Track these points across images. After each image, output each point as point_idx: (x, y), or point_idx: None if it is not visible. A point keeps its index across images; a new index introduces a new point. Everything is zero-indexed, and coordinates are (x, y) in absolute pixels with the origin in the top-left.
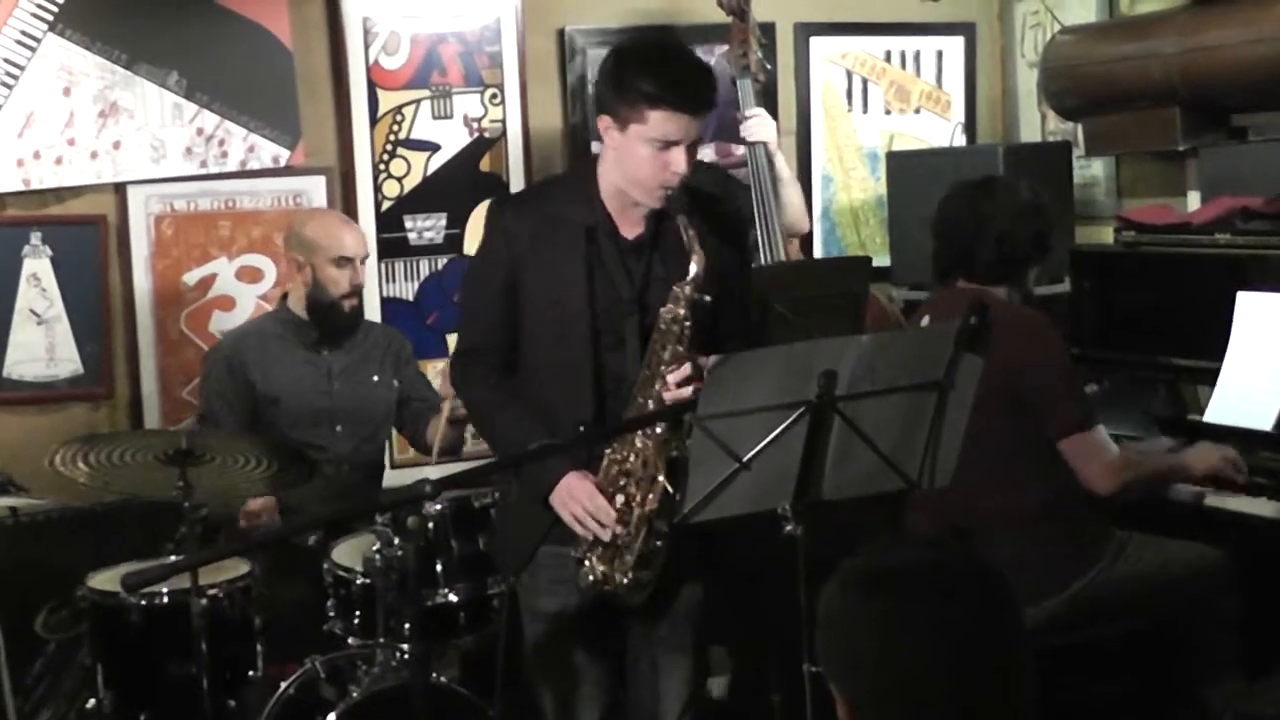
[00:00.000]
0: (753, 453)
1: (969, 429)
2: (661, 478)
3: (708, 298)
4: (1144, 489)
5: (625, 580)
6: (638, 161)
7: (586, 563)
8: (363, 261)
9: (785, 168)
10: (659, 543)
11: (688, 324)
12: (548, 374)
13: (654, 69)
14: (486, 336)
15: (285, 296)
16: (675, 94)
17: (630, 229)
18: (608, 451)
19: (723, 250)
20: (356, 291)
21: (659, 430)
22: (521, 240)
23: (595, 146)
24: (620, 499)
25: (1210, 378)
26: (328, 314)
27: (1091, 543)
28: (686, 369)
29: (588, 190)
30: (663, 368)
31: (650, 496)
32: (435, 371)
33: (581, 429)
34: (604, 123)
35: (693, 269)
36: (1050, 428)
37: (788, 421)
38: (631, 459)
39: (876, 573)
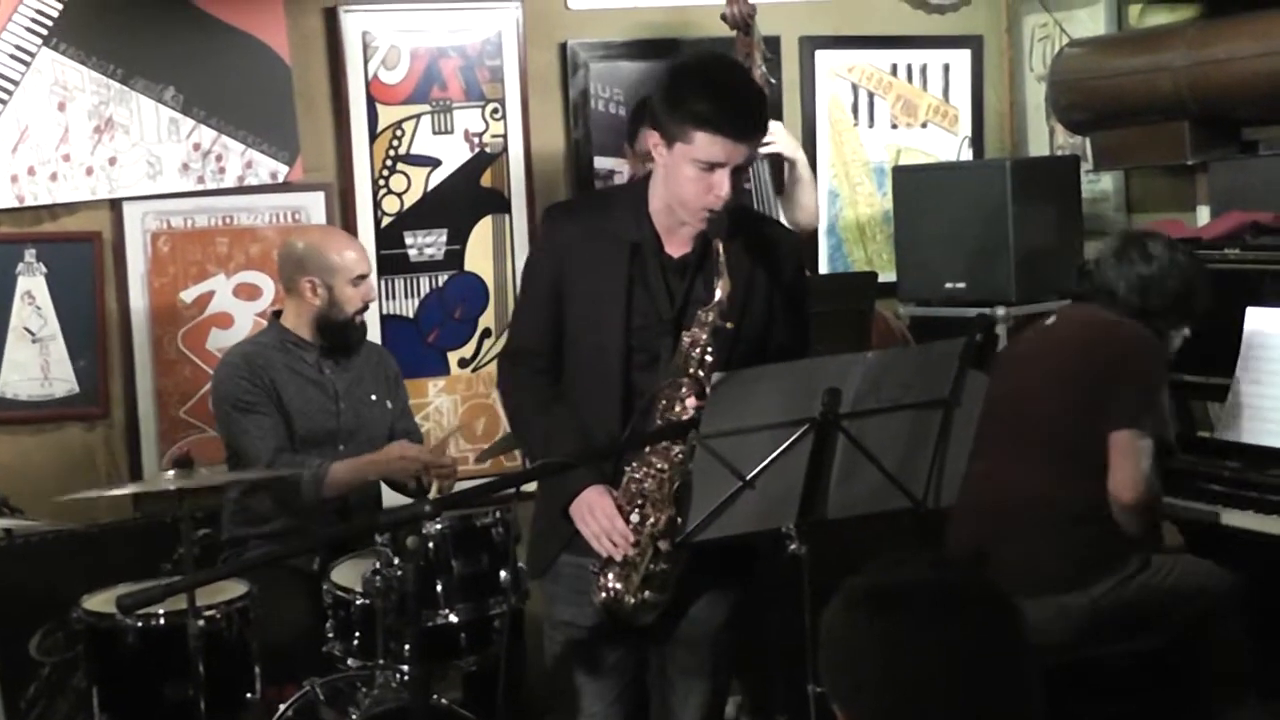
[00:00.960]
0: (756, 470)
1: (1038, 411)
2: (671, 501)
3: (729, 324)
4: (1143, 523)
5: (634, 600)
6: (682, 181)
7: (601, 578)
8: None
9: (806, 168)
10: (665, 565)
11: (709, 350)
12: (580, 386)
13: (705, 90)
14: (533, 338)
15: (278, 315)
16: (723, 117)
17: (676, 248)
18: (627, 470)
19: (770, 274)
20: (367, 306)
21: (678, 454)
22: (568, 249)
23: (598, 161)
24: (635, 518)
25: (1220, 394)
26: (341, 331)
27: (1120, 550)
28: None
29: (638, 206)
30: (682, 390)
31: (662, 519)
32: (437, 390)
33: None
34: (653, 139)
35: (717, 294)
36: (1107, 416)
37: (791, 439)
38: (649, 480)
39: (880, 591)
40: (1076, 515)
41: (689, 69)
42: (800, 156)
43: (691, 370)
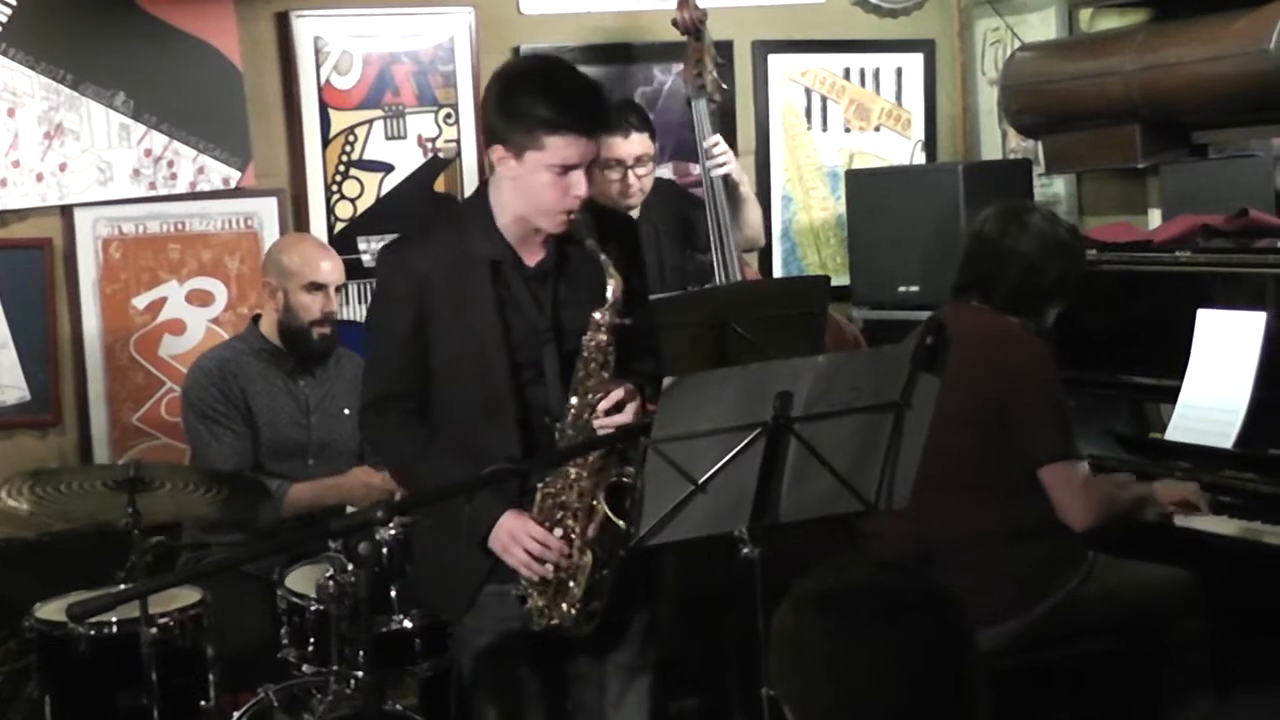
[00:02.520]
0: (708, 475)
1: (952, 447)
2: (602, 506)
3: (628, 320)
4: (1117, 522)
5: (573, 612)
6: (538, 189)
7: (528, 600)
8: (337, 290)
9: (747, 188)
10: (605, 571)
11: (610, 349)
12: (469, 414)
13: (546, 94)
14: (399, 382)
15: (256, 320)
16: (571, 118)
17: (532, 257)
18: (539, 487)
19: (632, 264)
20: (328, 319)
21: (593, 459)
22: (427, 281)
23: None
24: (558, 532)
25: (1172, 396)
26: (298, 340)
27: (1061, 566)
28: (616, 395)
29: (486, 222)
30: (590, 396)
31: (591, 526)
32: None
33: (507, 464)
34: (498, 153)
35: (610, 293)
36: (1033, 454)
37: (743, 443)
38: (566, 491)
39: (829, 594)
40: (1009, 541)
41: (521, 75)
42: (745, 178)
43: (596, 373)
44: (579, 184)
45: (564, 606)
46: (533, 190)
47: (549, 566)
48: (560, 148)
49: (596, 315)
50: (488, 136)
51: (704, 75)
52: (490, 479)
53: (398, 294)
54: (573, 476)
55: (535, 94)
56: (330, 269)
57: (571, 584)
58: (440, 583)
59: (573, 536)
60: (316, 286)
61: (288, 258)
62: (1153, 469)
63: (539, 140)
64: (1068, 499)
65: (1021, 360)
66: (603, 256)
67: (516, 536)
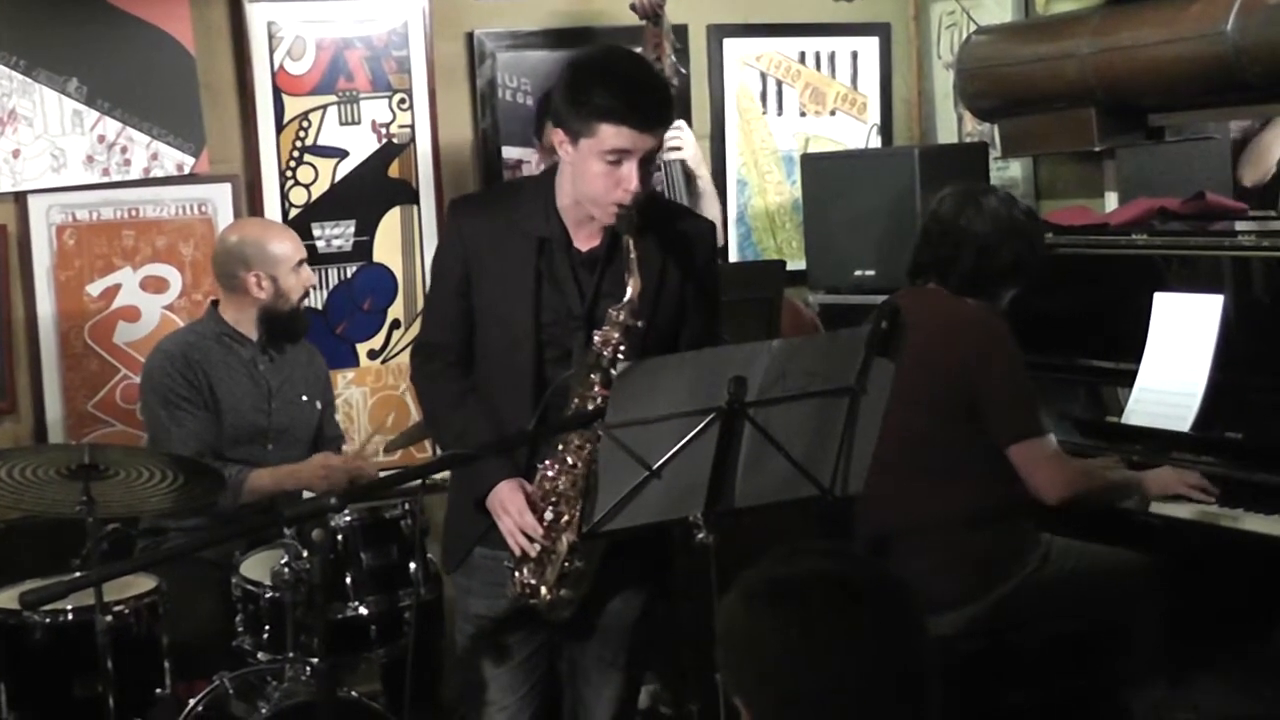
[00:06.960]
0: (662, 460)
1: (909, 432)
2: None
3: (640, 323)
4: (1094, 502)
5: (548, 596)
6: (590, 177)
7: (516, 572)
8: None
9: (709, 183)
10: (580, 564)
11: (621, 348)
12: (492, 382)
13: (605, 82)
14: (443, 332)
15: (215, 305)
16: (626, 107)
17: (585, 242)
18: (540, 467)
19: (682, 267)
20: (308, 293)
21: (590, 451)
22: (475, 244)
23: (506, 151)
24: (549, 515)
25: (1129, 379)
26: (289, 321)
27: (1017, 551)
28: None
29: (546, 199)
30: (594, 390)
31: (576, 516)
32: (346, 382)
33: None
34: (558, 136)
35: (628, 293)
36: (999, 434)
37: (698, 428)
38: (563, 478)
39: (779, 583)
40: (965, 526)
41: (588, 64)
42: (704, 172)
43: (600, 371)
44: (630, 177)
45: (542, 590)
46: (584, 178)
47: (533, 543)
48: (611, 136)
49: (611, 312)
50: (552, 118)
51: (662, 60)
52: (448, 462)
53: (450, 249)
54: (569, 463)
55: (594, 81)
56: (300, 243)
57: (548, 568)
58: (445, 535)
59: (560, 522)
60: (300, 264)
61: (277, 246)
62: (1109, 452)
63: (592, 127)
64: (1039, 474)
65: (984, 342)
66: (631, 255)
67: (506, 505)
